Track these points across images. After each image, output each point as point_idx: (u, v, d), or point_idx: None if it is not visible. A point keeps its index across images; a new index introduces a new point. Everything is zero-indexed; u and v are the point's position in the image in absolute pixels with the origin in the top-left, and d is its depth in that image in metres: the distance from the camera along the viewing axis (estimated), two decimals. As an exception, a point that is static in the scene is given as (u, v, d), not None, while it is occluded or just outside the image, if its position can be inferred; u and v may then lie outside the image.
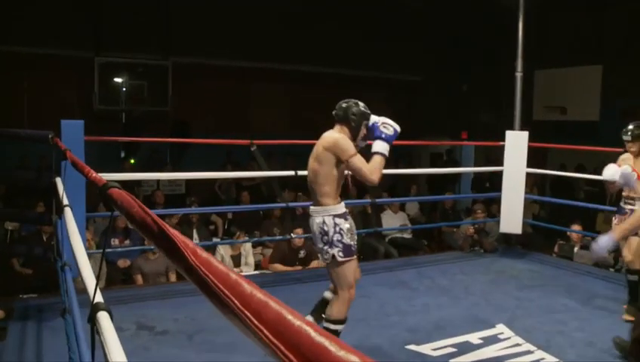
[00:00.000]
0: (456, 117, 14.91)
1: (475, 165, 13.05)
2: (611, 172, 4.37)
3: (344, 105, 3.56)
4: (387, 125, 3.54)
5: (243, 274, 6.34)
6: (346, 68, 13.30)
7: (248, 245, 7.02)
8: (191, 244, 0.91)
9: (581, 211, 8.65)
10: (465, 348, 3.94)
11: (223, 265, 0.80)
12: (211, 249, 6.86)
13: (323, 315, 3.68)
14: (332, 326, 3.50)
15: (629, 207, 4.60)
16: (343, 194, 3.57)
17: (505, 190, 6.54)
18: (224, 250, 6.86)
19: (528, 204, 9.18)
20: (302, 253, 6.47)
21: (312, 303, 4.70)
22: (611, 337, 4.08)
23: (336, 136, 3.45)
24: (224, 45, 11.93)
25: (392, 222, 8.62)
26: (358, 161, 3.39)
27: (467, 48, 14.25)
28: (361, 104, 3.57)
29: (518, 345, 4.07)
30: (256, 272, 6.65)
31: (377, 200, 6.76)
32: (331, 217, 3.39)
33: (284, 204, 5.94)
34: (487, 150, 12.59)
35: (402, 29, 13.74)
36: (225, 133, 7.93)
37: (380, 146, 3.49)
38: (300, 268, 6.31)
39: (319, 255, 3.67)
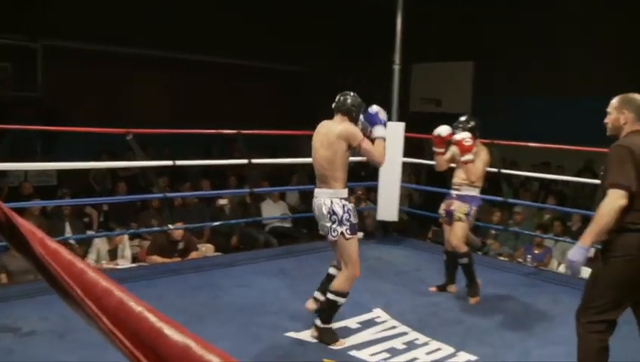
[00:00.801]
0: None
1: (355, 154, 13.32)
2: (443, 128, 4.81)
3: (344, 97, 3.95)
4: (382, 112, 4.02)
5: (119, 267, 6.13)
6: (228, 57, 13.12)
7: (125, 237, 6.78)
8: (39, 234, 0.84)
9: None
10: (343, 333, 4.02)
11: (72, 255, 0.75)
12: (86, 242, 6.57)
13: (319, 295, 4.14)
14: (333, 297, 3.86)
15: (455, 192, 4.95)
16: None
17: (382, 179, 6.73)
18: (101, 244, 6.59)
19: (405, 192, 9.53)
20: (181, 245, 6.34)
21: (191, 295, 4.64)
22: (478, 315, 4.35)
23: (345, 125, 3.84)
24: (102, 30, 11.38)
25: (273, 211, 8.64)
26: (368, 145, 3.86)
27: (348, 41, 14.52)
28: (357, 96, 3.96)
29: (393, 327, 4.22)
30: (134, 265, 6.44)
31: (256, 189, 6.72)
32: (339, 199, 3.81)
33: (161, 195, 5.78)
34: (366, 140, 12.89)
35: (285, 20, 13.76)
36: (102, 121, 7.59)
37: (382, 131, 3.98)
38: (178, 259, 6.18)
39: (322, 232, 4.01)
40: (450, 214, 4.92)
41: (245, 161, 5.94)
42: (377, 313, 4.45)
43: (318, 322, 3.91)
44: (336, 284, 3.90)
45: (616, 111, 3.08)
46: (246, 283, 5.03)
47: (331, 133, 3.82)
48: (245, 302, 4.55)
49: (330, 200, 3.80)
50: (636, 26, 11.24)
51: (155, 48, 12.17)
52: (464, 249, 4.83)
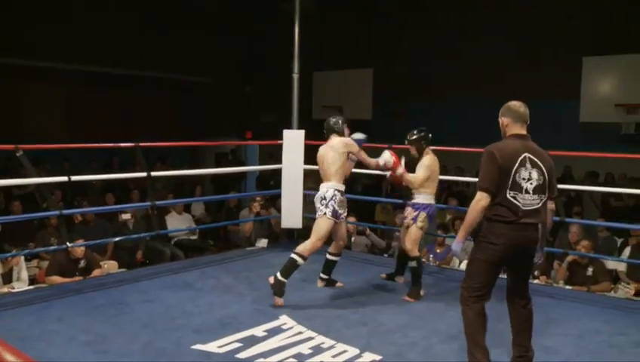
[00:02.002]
0: (241, 117, 15.14)
1: (262, 164, 13.35)
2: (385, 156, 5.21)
3: (332, 120, 5.25)
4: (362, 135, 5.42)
5: (15, 290, 5.84)
6: (128, 68, 12.82)
7: (21, 259, 6.47)
8: None
9: (361, 203, 9.34)
10: (250, 342, 4.04)
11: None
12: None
13: (323, 275, 5.51)
14: (294, 256, 4.91)
15: (409, 200, 5.39)
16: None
17: (284, 187, 6.81)
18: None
19: (308, 199, 9.63)
20: (82, 263, 6.14)
21: (94, 314, 4.52)
22: (384, 316, 4.51)
23: (344, 139, 5.12)
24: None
25: (177, 223, 8.53)
26: (364, 153, 5.18)
27: (250, 50, 14.56)
28: (336, 116, 5.37)
29: (300, 333, 4.27)
30: (31, 287, 6.15)
31: (159, 202, 6.62)
32: (334, 190, 4.97)
33: (57, 212, 5.58)
34: (272, 149, 12.99)
35: (187, 30, 13.61)
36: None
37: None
38: (80, 278, 5.98)
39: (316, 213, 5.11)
40: (403, 219, 5.44)
41: (144, 174, 5.82)
42: (284, 320, 4.50)
43: (278, 274, 4.82)
44: (300, 248, 4.93)
45: (500, 117, 3.60)
46: (151, 298, 4.95)
47: (338, 146, 5.05)
48: (151, 317, 4.48)
49: (328, 188, 4.98)
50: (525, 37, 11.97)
51: (51, 60, 11.71)
52: (415, 253, 5.25)
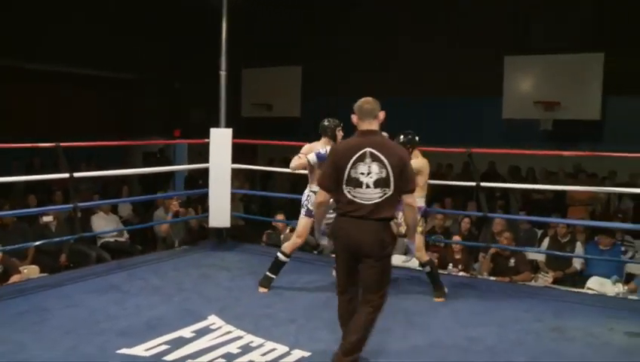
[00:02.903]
0: (169, 115, 14.89)
1: (191, 162, 13.14)
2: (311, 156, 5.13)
3: (325, 123, 5.30)
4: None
5: None
6: (52, 64, 12.35)
7: None
8: None
9: (289, 202, 9.34)
10: (178, 343, 3.99)
11: None
12: None
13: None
14: (279, 254, 5.32)
15: None
16: None
17: (212, 186, 6.75)
18: None
19: (239, 197, 9.61)
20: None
21: (12, 322, 4.34)
22: (310, 313, 4.53)
23: (315, 149, 5.15)
24: None
25: (104, 223, 8.33)
26: (319, 171, 4.96)
27: (178, 46, 14.33)
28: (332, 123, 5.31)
29: (229, 332, 4.25)
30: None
31: (83, 203, 6.43)
32: (309, 190, 5.28)
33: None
34: (201, 148, 12.82)
35: (114, 26, 13.27)
36: None
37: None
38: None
39: None
40: (398, 226, 5.21)
41: (67, 175, 5.64)
42: (212, 320, 4.47)
43: (267, 271, 5.29)
44: (284, 246, 5.38)
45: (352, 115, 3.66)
46: (75, 303, 4.80)
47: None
48: (74, 323, 4.35)
49: (306, 190, 5.34)
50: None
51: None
52: (425, 258, 5.20)
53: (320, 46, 13.86)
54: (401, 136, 5.26)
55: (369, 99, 3.63)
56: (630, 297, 6.01)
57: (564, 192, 9.50)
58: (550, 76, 11.60)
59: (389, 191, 3.47)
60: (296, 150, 5.35)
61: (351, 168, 3.46)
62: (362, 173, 3.45)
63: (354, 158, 3.46)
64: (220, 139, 6.70)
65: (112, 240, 8.47)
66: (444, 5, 12.35)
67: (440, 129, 10.44)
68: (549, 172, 11.48)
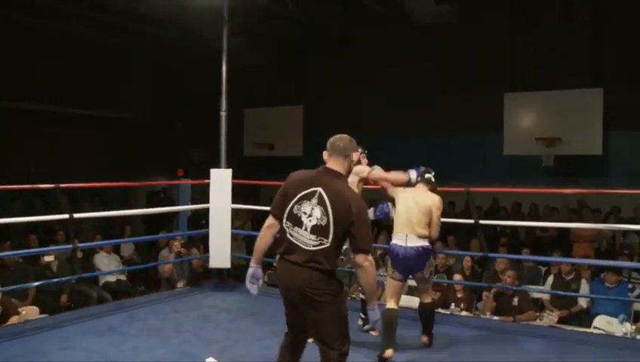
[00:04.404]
0: (172, 155, 14.95)
1: (194, 202, 13.12)
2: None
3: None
4: None
5: None
6: (52, 104, 12.46)
7: None
8: None
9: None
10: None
11: None
12: None
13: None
14: None
15: None
16: None
17: (212, 226, 6.74)
18: None
19: (240, 237, 9.56)
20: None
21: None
22: (311, 354, 4.45)
23: None
24: None
25: (107, 262, 8.31)
26: None
27: (180, 87, 14.49)
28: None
29: (227, 376, 4.20)
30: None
31: (83, 244, 6.42)
32: None
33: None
34: (204, 187, 12.83)
35: (113, 66, 13.43)
36: None
37: None
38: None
39: None
40: None
41: (66, 216, 5.63)
42: (210, 362, 4.41)
43: None
44: None
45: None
46: (72, 346, 4.75)
47: None
48: (71, 366, 4.31)
49: None
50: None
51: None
52: (428, 299, 4.99)
53: (321, 84, 13.99)
54: (432, 175, 4.96)
55: (344, 136, 3.31)
56: (639, 337, 5.89)
57: (568, 229, 9.42)
58: (550, 112, 11.62)
59: (326, 243, 3.06)
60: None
61: (295, 203, 3.13)
62: (304, 213, 3.09)
63: (302, 194, 3.13)
64: (220, 180, 6.72)
65: (113, 280, 8.43)
66: (443, 42, 12.47)
67: (443, 165, 10.42)
68: (551, 208, 11.42)
